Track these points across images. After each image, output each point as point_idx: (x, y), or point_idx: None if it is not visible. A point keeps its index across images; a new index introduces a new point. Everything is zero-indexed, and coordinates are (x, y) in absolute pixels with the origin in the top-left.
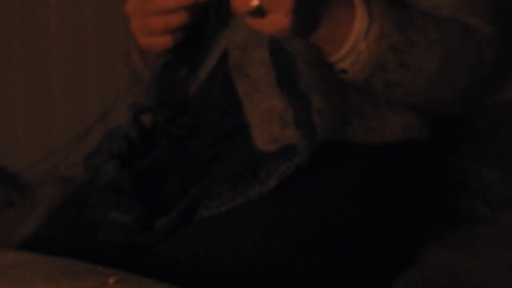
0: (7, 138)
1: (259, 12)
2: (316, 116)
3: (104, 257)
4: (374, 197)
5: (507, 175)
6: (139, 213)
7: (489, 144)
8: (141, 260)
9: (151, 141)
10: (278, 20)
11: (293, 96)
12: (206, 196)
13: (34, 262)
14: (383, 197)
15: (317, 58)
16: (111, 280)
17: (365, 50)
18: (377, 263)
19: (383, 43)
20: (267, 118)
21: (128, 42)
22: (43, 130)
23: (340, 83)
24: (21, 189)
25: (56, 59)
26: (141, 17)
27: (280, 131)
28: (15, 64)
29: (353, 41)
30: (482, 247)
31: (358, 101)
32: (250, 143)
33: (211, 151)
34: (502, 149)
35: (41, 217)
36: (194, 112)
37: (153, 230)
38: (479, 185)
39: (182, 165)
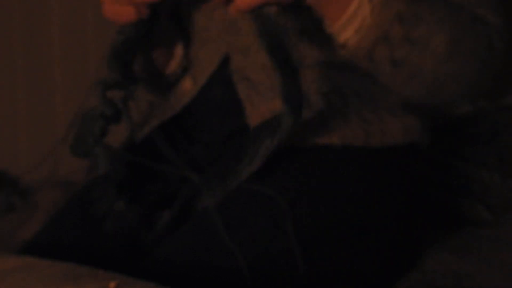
0: (9, 143)
1: None
2: (309, 94)
3: (106, 261)
4: (376, 199)
5: (509, 178)
6: (143, 205)
7: (491, 147)
8: (143, 263)
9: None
10: None
11: (284, 71)
12: (202, 187)
13: (35, 266)
14: (385, 200)
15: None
16: (112, 285)
17: (369, 15)
18: (380, 266)
19: (388, 9)
20: None
21: None
22: (45, 135)
23: (340, 86)
24: (22, 194)
25: (58, 65)
26: None
27: None
28: (17, 69)
29: (358, 4)
30: (484, 250)
31: (358, 104)
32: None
33: (212, 154)
34: (504, 152)
35: (42, 221)
36: (195, 115)
37: (154, 226)
38: (481, 189)
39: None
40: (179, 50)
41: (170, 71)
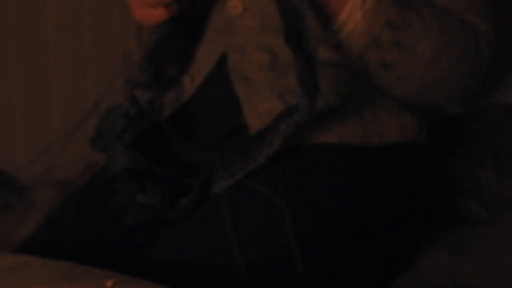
0: (5, 142)
1: None
2: (321, 76)
3: (103, 259)
4: (372, 198)
5: (504, 176)
6: (164, 195)
7: (486, 145)
8: (141, 262)
9: (150, 118)
10: None
11: (299, 53)
12: (221, 167)
13: (32, 265)
14: (381, 199)
15: None
16: (109, 283)
17: (360, 21)
18: (376, 265)
19: (379, 16)
20: (266, 120)
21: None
22: (41, 133)
23: (338, 85)
24: (19, 192)
25: (54, 63)
26: None
27: None
28: (12, 67)
29: (350, 10)
30: (479, 249)
31: (355, 103)
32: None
33: (210, 154)
34: (499, 150)
35: (38, 220)
36: (192, 115)
37: (177, 208)
38: (476, 187)
39: (180, 168)
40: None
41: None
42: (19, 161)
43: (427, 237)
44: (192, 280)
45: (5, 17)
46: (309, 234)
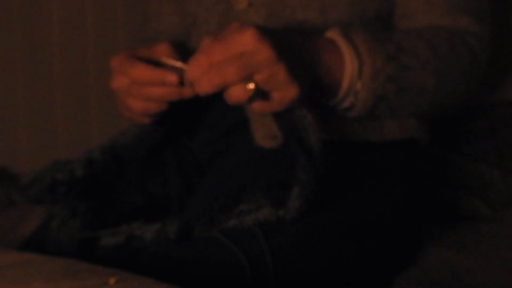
0: (9, 139)
1: (258, 94)
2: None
3: (105, 256)
4: (375, 194)
5: (507, 173)
6: (126, 232)
7: (490, 143)
8: (142, 260)
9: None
10: (285, 94)
11: (300, 153)
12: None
13: (34, 262)
14: (384, 195)
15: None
16: (111, 280)
17: (362, 90)
18: (378, 261)
19: (378, 78)
20: (267, 114)
21: None
22: (44, 131)
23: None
24: (22, 189)
25: (58, 62)
26: (124, 90)
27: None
28: (16, 66)
29: (348, 85)
30: (483, 246)
31: None
32: (250, 140)
33: (211, 149)
34: (502, 148)
35: (41, 217)
36: (194, 111)
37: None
38: (480, 184)
39: (182, 164)
40: None
41: None
42: (23, 159)
43: (430, 234)
44: (194, 277)
45: (9, 18)
46: (311, 230)
